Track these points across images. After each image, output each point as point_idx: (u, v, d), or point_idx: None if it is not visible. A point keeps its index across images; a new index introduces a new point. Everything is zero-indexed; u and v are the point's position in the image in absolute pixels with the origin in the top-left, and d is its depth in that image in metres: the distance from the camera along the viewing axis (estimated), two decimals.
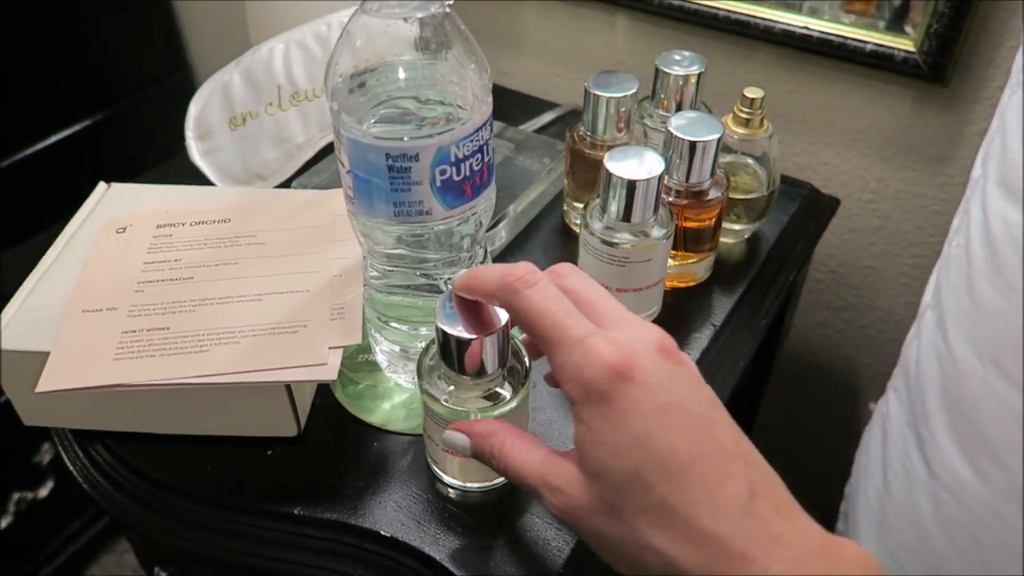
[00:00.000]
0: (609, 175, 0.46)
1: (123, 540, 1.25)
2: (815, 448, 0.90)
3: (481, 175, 0.40)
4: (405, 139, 0.37)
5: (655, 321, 0.53)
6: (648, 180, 0.46)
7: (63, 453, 0.48)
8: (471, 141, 0.38)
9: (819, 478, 0.77)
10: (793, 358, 0.85)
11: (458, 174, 0.39)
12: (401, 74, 0.39)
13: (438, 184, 0.38)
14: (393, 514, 0.42)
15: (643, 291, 0.50)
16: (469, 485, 0.43)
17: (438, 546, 0.41)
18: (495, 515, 0.42)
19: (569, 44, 0.78)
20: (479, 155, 0.39)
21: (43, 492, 1.14)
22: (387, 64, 0.38)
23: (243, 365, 0.41)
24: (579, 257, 0.51)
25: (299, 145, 0.64)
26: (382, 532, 0.42)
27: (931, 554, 0.50)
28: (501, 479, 0.43)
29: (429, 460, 0.44)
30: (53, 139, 0.91)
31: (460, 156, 0.38)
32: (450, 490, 0.43)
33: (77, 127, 0.92)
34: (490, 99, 0.39)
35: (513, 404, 0.39)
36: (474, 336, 0.35)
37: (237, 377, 0.40)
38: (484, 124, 0.39)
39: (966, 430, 0.47)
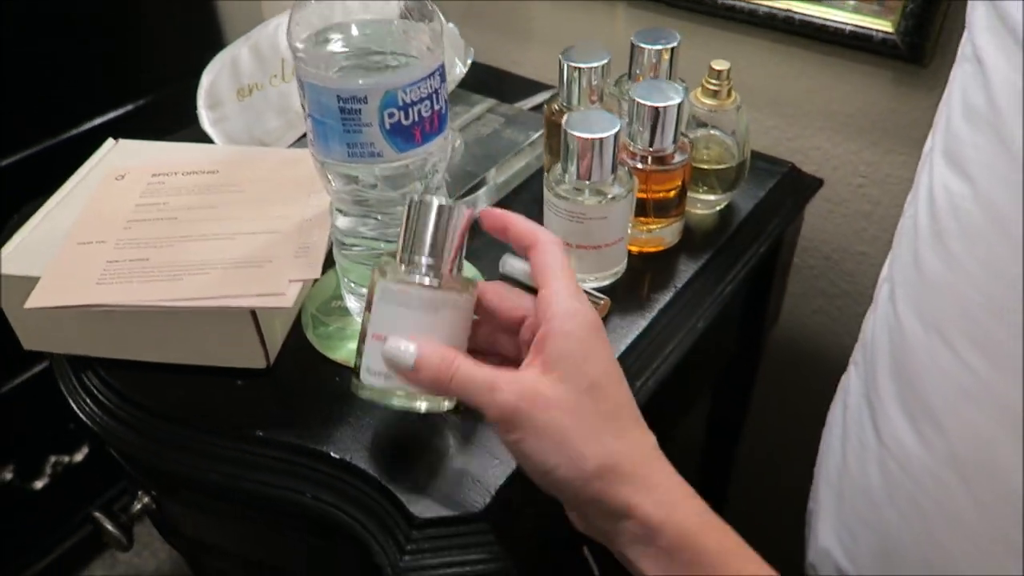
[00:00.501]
0: (566, 135, 0.49)
1: None
2: (813, 436, 0.89)
3: (431, 122, 0.43)
4: (359, 82, 0.40)
5: (618, 282, 0.55)
6: (603, 139, 0.48)
7: (59, 378, 0.52)
8: (419, 87, 0.41)
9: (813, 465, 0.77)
10: (789, 346, 0.85)
11: (407, 118, 0.41)
12: (358, 30, 0.42)
13: (387, 127, 0.41)
14: (346, 440, 0.45)
15: (603, 249, 0.52)
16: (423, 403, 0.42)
17: (382, 469, 0.44)
18: (441, 448, 0.45)
19: (574, 34, 0.80)
20: (428, 102, 0.42)
21: (79, 456, 1.20)
22: (349, 21, 0.42)
23: (209, 292, 0.44)
24: (543, 217, 0.53)
25: (300, 114, 0.68)
26: (332, 454, 0.45)
27: (880, 523, 0.51)
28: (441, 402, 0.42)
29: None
30: (98, 121, 0.98)
31: (408, 101, 0.41)
32: (435, 419, 0.45)
33: (118, 112, 0.99)
34: (441, 50, 0.42)
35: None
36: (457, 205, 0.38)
37: (203, 302, 0.44)
38: (433, 72, 0.42)
39: (911, 398, 0.48)
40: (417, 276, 0.38)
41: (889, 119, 0.67)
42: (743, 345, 0.74)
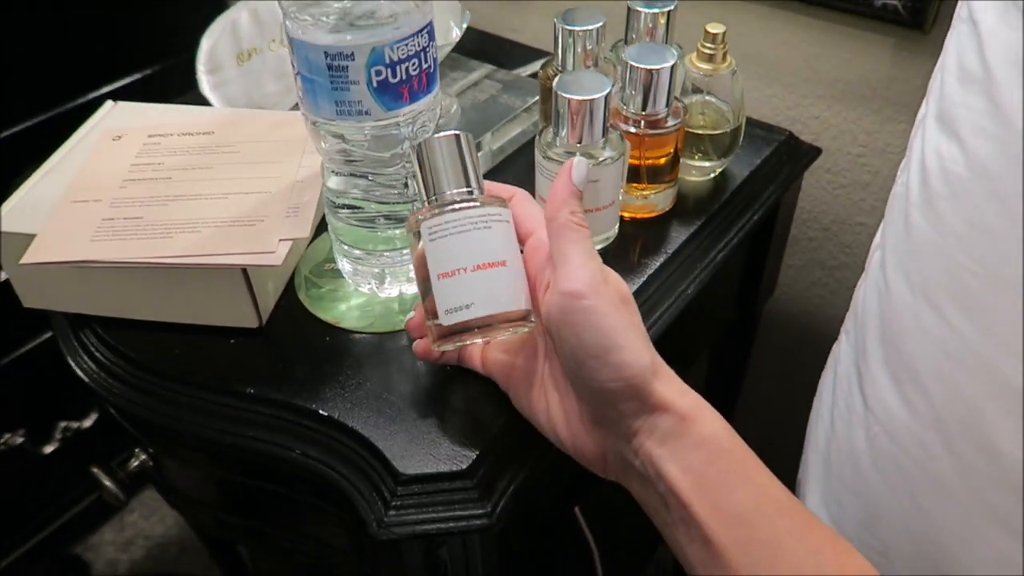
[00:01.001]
0: (557, 97, 0.49)
1: None
2: (808, 408, 0.89)
3: (420, 80, 0.43)
4: (346, 38, 0.40)
5: (609, 247, 0.55)
6: (594, 100, 0.48)
7: (58, 337, 0.53)
8: (406, 44, 0.41)
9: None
10: (788, 317, 0.85)
11: (394, 76, 0.42)
12: None
13: (374, 84, 0.41)
14: (333, 398, 0.46)
15: (594, 213, 0.52)
16: None
17: (368, 426, 0.44)
18: (427, 406, 0.45)
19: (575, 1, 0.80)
20: (416, 60, 0.42)
21: (88, 422, 1.21)
22: None
23: (199, 249, 0.45)
24: (536, 181, 0.53)
25: (294, 76, 0.68)
26: (320, 411, 0.45)
27: (865, 488, 0.51)
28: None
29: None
30: (101, 91, 0.98)
31: (395, 59, 0.41)
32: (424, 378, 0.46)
33: (120, 83, 0.99)
34: (430, 8, 0.42)
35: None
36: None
37: (193, 259, 0.44)
38: (422, 30, 0.42)
39: (897, 362, 0.48)
40: (458, 202, 0.40)
41: (890, 87, 0.66)
42: (739, 316, 0.74)
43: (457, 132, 0.41)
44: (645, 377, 0.36)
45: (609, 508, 0.89)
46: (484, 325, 0.39)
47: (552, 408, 0.40)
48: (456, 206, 0.40)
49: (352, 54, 0.40)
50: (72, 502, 1.23)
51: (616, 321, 0.36)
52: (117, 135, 0.54)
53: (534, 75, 0.73)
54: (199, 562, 1.31)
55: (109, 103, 0.59)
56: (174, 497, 0.59)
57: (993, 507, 0.43)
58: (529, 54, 0.77)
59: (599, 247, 0.55)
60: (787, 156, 0.64)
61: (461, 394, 0.46)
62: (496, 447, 0.44)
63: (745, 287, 0.71)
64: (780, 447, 0.73)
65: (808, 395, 0.89)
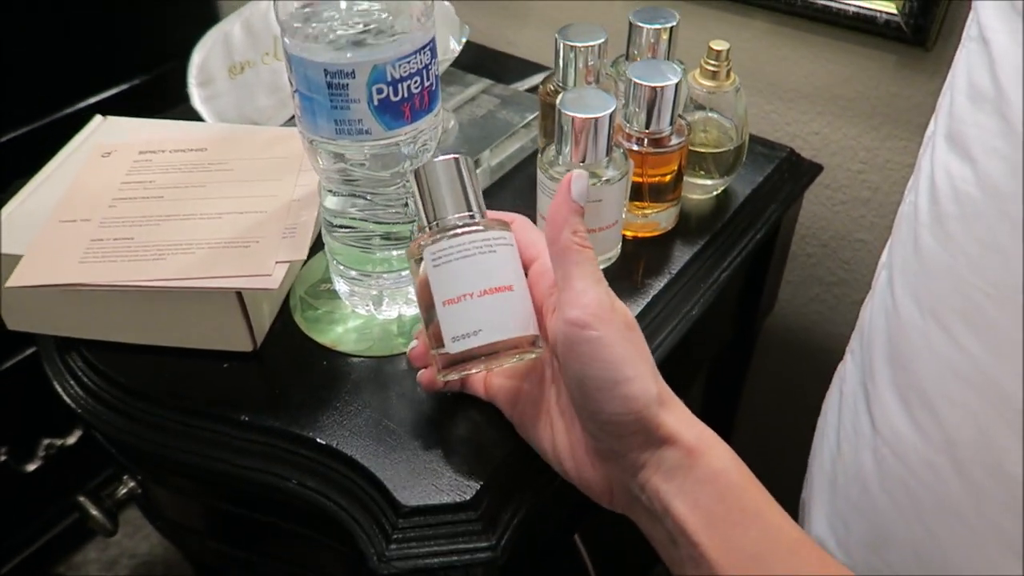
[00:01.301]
0: (560, 115, 0.48)
1: None
2: (808, 424, 0.89)
3: (421, 98, 0.42)
4: (346, 56, 0.39)
5: (612, 268, 0.54)
6: (598, 119, 0.47)
7: (44, 360, 0.52)
8: (408, 62, 0.40)
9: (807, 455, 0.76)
10: (785, 334, 0.84)
11: (395, 94, 0.40)
12: (347, 3, 0.41)
13: (375, 103, 0.40)
14: (331, 425, 0.45)
15: (597, 233, 0.51)
16: None
17: (368, 455, 0.43)
18: (429, 434, 0.44)
19: (572, 14, 0.79)
20: (418, 78, 0.41)
21: (71, 440, 1.19)
22: None
23: (193, 272, 0.43)
24: (537, 201, 0.52)
25: (292, 93, 0.67)
26: (318, 440, 0.44)
27: (872, 510, 0.50)
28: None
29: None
30: (89, 101, 0.96)
31: (397, 76, 0.40)
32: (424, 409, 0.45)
33: (109, 92, 0.98)
34: (432, 24, 0.41)
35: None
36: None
37: (187, 283, 0.43)
38: (424, 47, 0.41)
39: (906, 384, 0.47)
40: (461, 227, 0.39)
41: (891, 104, 0.66)
42: (738, 332, 0.74)
43: (456, 155, 0.40)
44: (652, 409, 0.35)
45: (606, 534, 0.88)
46: (492, 352, 0.38)
47: (557, 437, 0.39)
48: (459, 231, 0.39)
49: (353, 72, 0.39)
50: (55, 520, 1.21)
51: (623, 351, 0.35)
52: (107, 151, 0.53)
53: (532, 89, 0.72)
54: None
55: (98, 118, 0.58)
56: (162, 524, 0.57)
57: (1003, 532, 0.42)
58: (526, 68, 0.76)
59: (601, 267, 0.54)
60: (789, 173, 0.63)
61: (463, 421, 0.45)
62: (500, 477, 0.42)
63: (744, 305, 0.70)
64: (778, 463, 0.72)
65: (806, 411, 0.88)
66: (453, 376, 0.40)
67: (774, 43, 0.69)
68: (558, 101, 0.48)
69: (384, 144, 0.42)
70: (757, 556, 0.33)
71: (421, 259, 0.39)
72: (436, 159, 0.40)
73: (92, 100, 0.93)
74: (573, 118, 0.47)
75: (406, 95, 0.41)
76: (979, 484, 0.42)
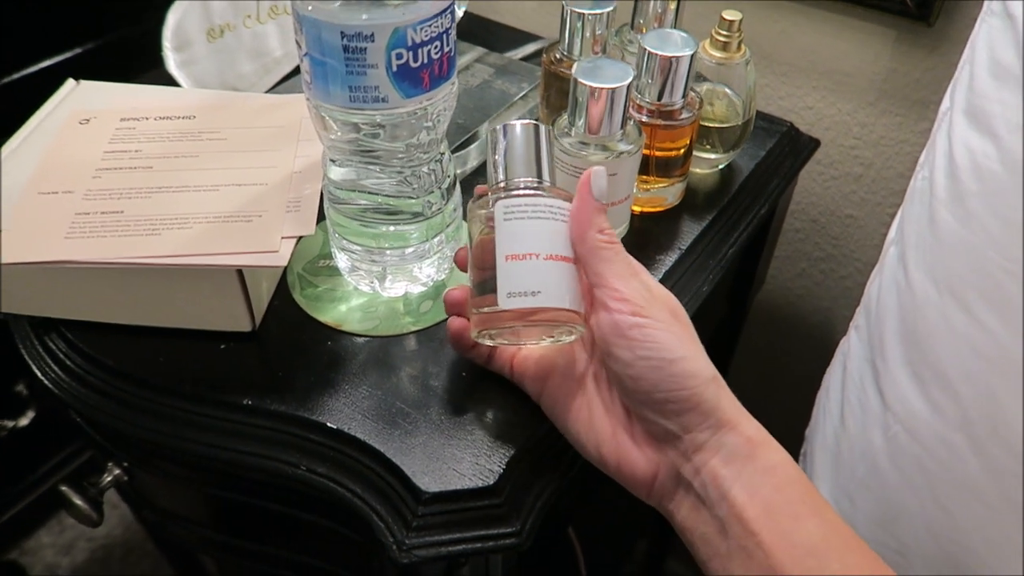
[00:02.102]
0: (576, 85, 0.46)
1: None
2: (791, 399, 0.90)
3: (440, 65, 0.39)
4: (362, 17, 0.36)
5: (622, 242, 0.53)
6: (616, 89, 0.45)
7: (17, 340, 0.48)
8: (430, 26, 0.38)
9: (795, 429, 0.77)
10: (771, 309, 0.84)
11: (415, 60, 0.38)
12: None
13: (394, 69, 0.38)
14: (341, 408, 0.42)
15: (609, 208, 0.50)
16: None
17: (383, 440, 0.41)
18: (445, 416, 0.42)
19: None
20: (438, 43, 0.39)
21: (24, 422, 1.14)
22: None
23: (193, 248, 0.40)
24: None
25: (276, 59, 0.63)
26: (328, 424, 0.42)
27: (881, 487, 0.50)
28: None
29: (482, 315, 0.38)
30: (53, 60, 0.90)
31: (418, 41, 0.38)
32: (437, 390, 0.43)
33: (75, 51, 0.91)
34: None
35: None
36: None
37: (186, 259, 0.40)
38: (445, 11, 0.38)
39: (920, 361, 0.47)
40: (535, 188, 0.38)
41: (888, 79, 0.65)
42: (729, 309, 0.73)
43: (538, 123, 0.39)
44: (711, 388, 0.34)
45: (592, 523, 0.88)
46: (542, 320, 0.36)
47: (596, 420, 0.38)
48: (533, 192, 0.38)
49: (372, 35, 0.36)
50: (7, 504, 1.16)
51: (674, 332, 0.35)
52: (85, 118, 0.49)
53: (525, 59, 0.70)
54: (146, 563, 1.25)
55: (71, 82, 0.53)
56: (149, 513, 0.54)
57: (1020, 507, 0.43)
58: (518, 37, 0.74)
59: (620, 231, 0.52)
60: (789, 148, 0.63)
61: (480, 403, 0.43)
62: (522, 460, 0.41)
63: (738, 281, 0.70)
64: None
65: (791, 386, 0.89)
66: (487, 339, 0.38)
67: (772, 16, 0.68)
68: (573, 71, 0.46)
69: (401, 113, 0.40)
70: (814, 550, 0.32)
71: (482, 216, 0.38)
72: (517, 122, 0.39)
73: (49, 62, 0.87)
74: (591, 88, 0.45)
75: (426, 61, 0.38)
76: (997, 461, 0.43)
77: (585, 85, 0.45)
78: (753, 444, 0.34)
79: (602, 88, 0.45)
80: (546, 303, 0.36)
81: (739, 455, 0.34)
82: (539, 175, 0.39)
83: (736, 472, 0.33)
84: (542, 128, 0.39)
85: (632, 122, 0.49)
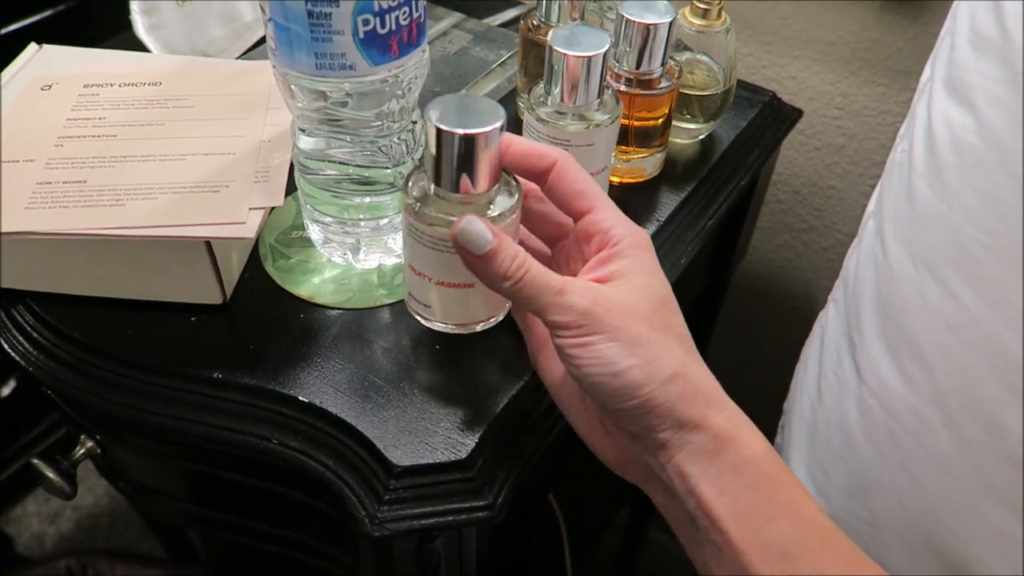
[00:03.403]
0: (551, 53, 0.45)
1: None
2: (772, 371, 0.90)
3: (409, 31, 0.38)
4: None
5: None
6: (592, 57, 0.44)
7: None
8: None
9: (775, 401, 0.77)
10: (752, 280, 0.84)
11: (383, 26, 0.37)
12: None
13: (361, 35, 0.37)
14: (313, 382, 0.42)
15: (598, 176, 0.49)
16: (440, 325, 0.41)
17: (355, 413, 0.41)
18: (418, 390, 0.42)
19: None
20: (407, 8, 0.37)
21: (5, 391, 1.13)
22: None
23: (159, 219, 0.40)
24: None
25: (247, 24, 0.62)
26: (300, 398, 0.41)
27: (855, 459, 0.51)
28: (473, 326, 0.41)
29: (407, 298, 0.41)
30: (15, 26, 0.87)
31: (385, 7, 0.36)
32: (433, 330, 0.42)
33: (39, 16, 0.89)
34: None
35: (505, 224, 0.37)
36: (477, 131, 0.34)
37: (151, 231, 0.39)
38: None
39: (895, 335, 0.47)
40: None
41: (871, 49, 0.64)
42: (709, 281, 0.73)
43: (481, 132, 0.35)
44: (667, 391, 0.33)
45: (573, 489, 0.89)
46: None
47: (572, 404, 0.38)
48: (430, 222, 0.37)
49: (337, 0, 0.35)
50: None
51: (623, 339, 0.33)
52: (46, 84, 0.48)
53: (505, 25, 0.69)
54: (132, 532, 1.26)
55: (33, 46, 0.52)
56: (125, 485, 0.54)
57: (993, 481, 0.43)
58: (496, 3, 0.72)
59: None
60: (771, 118, 0.62)
61: (453, 376, 0.43)
62: (494, 433, 0.41)
63: (719, 254, 0.70)
64: (744, 409, 0.73)
65: (772, 357, 0.90)
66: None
67: None
68: (549, 38, 0.45)
69: (369, 81, 0.39)
70: (787, 549, 0.31)
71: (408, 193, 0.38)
72: (451, 130, 0.34)
73: (11, 27, 0.85)
74: (566, 56, 0.44)
75: (394, 27, 0.37)
76: (968, 434, 0.43)
77: (561, 53, 0.44)
78: (721, 440, 0.33)
79: (578, 56, 0.44)
80: (435, 319, 0.41)
81: (705, 452, 0.33)
82: (455, 186, 0.36)
83: (702, 470, 0.33)
84: (489, 136, 0.35)
85: (609, 91, 0.48)
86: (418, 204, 0.37)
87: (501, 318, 0.42)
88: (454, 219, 0.35)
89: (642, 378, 0.33)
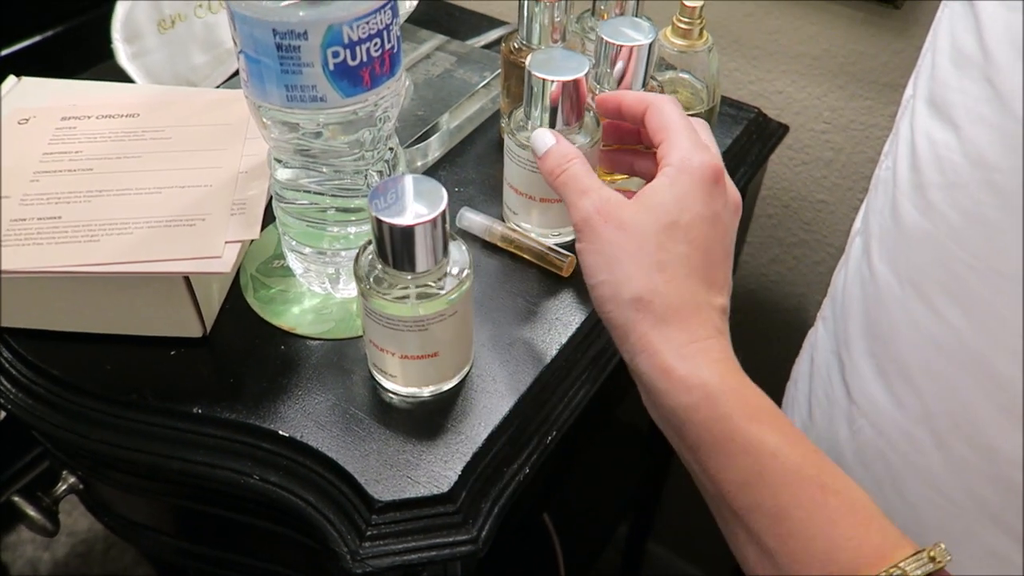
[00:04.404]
0: (530, 76, 0.45)
1: None
2: (765, 386, 0.89)
3: (382, 62, 0.38)
4: (296, 14, 0.35)
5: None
6: (571, 82, 0.44)
7: None
8: (367, 23, 0.36)
9: None
10: (744, 295, 0.84)
11: (353, 58, 0.37)
12: None
13: (331, 67, 0.36)
14: (294, 415, 0.42)
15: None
16: (409, 389, 0.42)
17: (336, 447, 0.40)
18: (399, 422, 0.41)
19: None
20: (378, 40, 0.37)
21: None
22: None
23: (133, 255, 0.39)
24: (504, 167, 0.49)
25: (229, 50, 0.62)
26: (280, 432, 0.41)
27: None
28: (441, 385, 0.42)
29: (371, 366, 0.43)
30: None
31: (355, 38, 0.36)
32: (391, 395, 0.43)
33: (21, 45, 0.88)
34: None
35: (455, 296, 0.39)
36: (413, 223, 0.36)
37: (127, 267, 0.39)
38: (383, 7, 0.37)
39: (884, 355, 0.46)
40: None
41: (857, 62, 0.64)
42: None
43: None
44: (625, 314, 0.35)
45: (570, 505, 0.88)
46: None
47: None
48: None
49: (305, 32, 0.35)
50: None
51: (606, 252, 0.35)
52: (24, 117, 0.47)
53: (488, 46, 0.68)
54: (127, 558, 1.25)
55: (12, 79, 0.52)
56: (110, 519, 0.53)
57: (985, 503, 0.42)
58: (481, 23, 0.72)
59: (569, 238, 0.51)
60: (757, 135, 0.62)
61: (436, 407, 0.42)
62: (477, 465, 0.40)
63: None
64: None
65: (763, 372, 0.89)
66: None
67: None
68: (527, 62, 0.45)
69: (341, 112, 0.38)
70: (746, 485, 0.32)
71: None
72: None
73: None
74: (544, 80, 0.44)
75: (365, 59, 0.37)
76: (960, 456, 0.42)
77: (539, 78, 0.44)
78: (669, 377, 0.34)
79: (557, 80, 0.44)
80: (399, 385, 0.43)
81: (654, 388, 0.34)
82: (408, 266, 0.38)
83: (651, 403, 0.35)
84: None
85: (590, 113, 0.48)
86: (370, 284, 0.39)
87: (465, 374, 0.44)
88: (406, 300, 0.38)
89: (607, 294, 0.35)
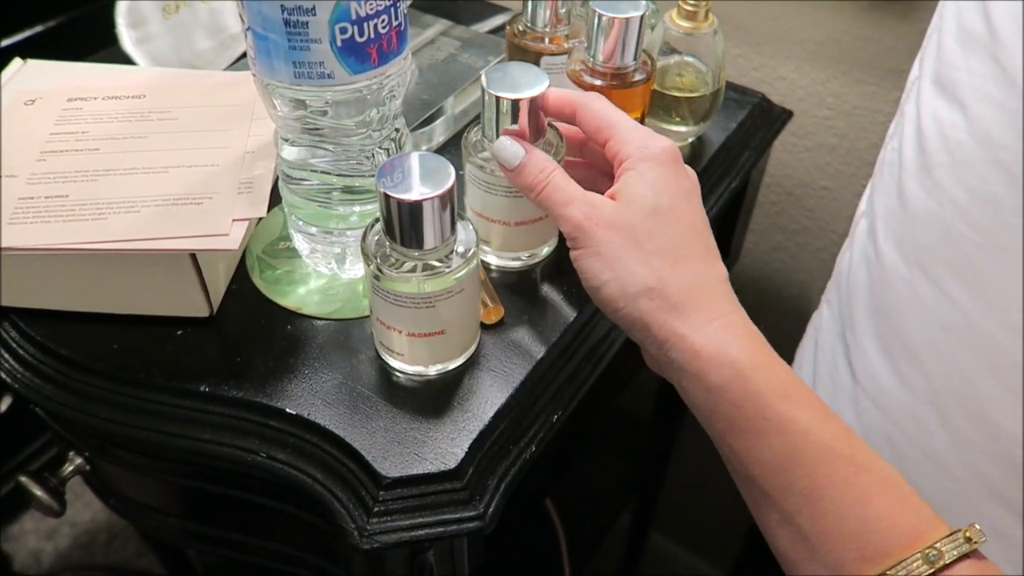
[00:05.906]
0: (485, 95, 0.41)
1: None
2: None
3: (389, 39, 0.38)
4: None
5: (558, 247, 0.50)
6: (529, 99, 0.40)
7: None
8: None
9: None
10: (747, 283, 0.84)
11: (361, 35, 0.37)
12: None
13: (339, 44, 0.36)
14: (301, 393, 0.42)
15: (529, 225, 0.46)
16: (415, 368, 0.42)
17: (343, 424, 0.40)
18: (406, 400, 0.42)
19: None
20: (386, 16, 0.37)
21: (2, 407, 1.12)
22: None
23: (140, 233, 0.39)
24: (466, 194, 0.47)
25: (233, 36, 0.62)
26: (288, 410, 0.41)
27: None
28: (447, 363, 0.42)
29: (378, 345, 0.43)
30: (4, 44, 0.87)
31: (363, 14, 0.36)
32: (398, 374, 0.43)
33: (27, 34, 0.89)
34: None
35: (461, 273, 0.39)
36: (420, 199, 0.36)
37: (135, 244, 0.39)
38: None
39: (889, 335, 0.47)
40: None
41: (861, 48, 0.64)
42: None
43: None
44: (639, 307, 0.35)
45: (573, 493, 0.88)
46: None
47: None
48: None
49: (313, 8, 0.35)
50: None
51: (605, 253, 0.35)
52: (30, 99, 0.47)
53: (492, 31, 0.68)
54: (130, 548, 1.25)
55: (17, 61, 0.52)
56: (115, 501, 0.53)
57: (990, 481, 0.43)
58: (484, 8, 0.72)
59: (544, 251, 0.49)
60: (760, 120, 0.62)
61: (443, 384, 0.42)
62: (484, 442, 0.40)
63: None
64: None
65: None
66: None
67: None
68: (483, 81, 0.41)
69: (349, 90, 0.38)
70: (778, 465, 0.32)
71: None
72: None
73: (2, 44, 0.85)
74: (500, 99, 0.40)
75: (373, 35, 0.37)
76: (965, 435, 0.43)
77: (494, 96, 0.40)
78: (699, 357, 0.34)
79: (516, 98, 0.40)
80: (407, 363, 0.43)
81: (686, 372, 0.34)
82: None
83: (684, 389, 0.35)
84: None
85: (553, 131, 0.44)
86: (378, 263, 0.38)
87: (471, 353, 0.44)
88: (412, 277, 0.38)
89: (616, 293, 0.35)
